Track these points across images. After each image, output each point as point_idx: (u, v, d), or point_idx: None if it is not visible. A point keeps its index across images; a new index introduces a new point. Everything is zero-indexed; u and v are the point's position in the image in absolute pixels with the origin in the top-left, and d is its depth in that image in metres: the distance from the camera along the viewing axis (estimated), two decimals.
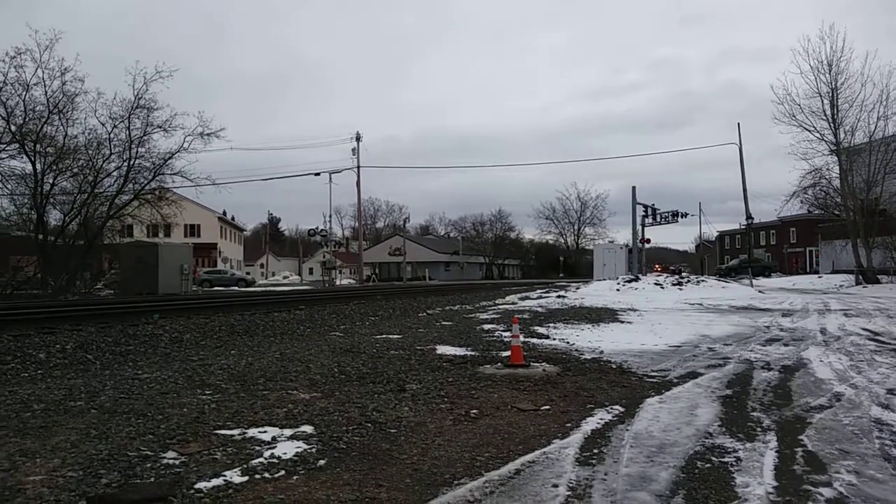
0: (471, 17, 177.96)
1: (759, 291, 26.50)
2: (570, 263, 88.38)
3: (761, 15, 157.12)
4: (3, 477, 3.27)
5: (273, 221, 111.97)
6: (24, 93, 26.59)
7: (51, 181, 28.62)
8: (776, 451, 3.86)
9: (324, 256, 58.24)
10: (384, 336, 10.32)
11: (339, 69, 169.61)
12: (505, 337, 9.79)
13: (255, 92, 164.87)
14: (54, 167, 28.45)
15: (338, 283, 55.29)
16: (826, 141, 33.76)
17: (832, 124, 33.31)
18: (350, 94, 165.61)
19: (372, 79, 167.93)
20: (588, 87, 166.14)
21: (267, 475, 3.42)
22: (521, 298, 22.76)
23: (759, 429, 4.42)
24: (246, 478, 3.36)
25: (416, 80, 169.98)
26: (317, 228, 61.55)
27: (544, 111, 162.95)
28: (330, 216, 64.42)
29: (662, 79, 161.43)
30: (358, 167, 54.28)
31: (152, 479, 3.30)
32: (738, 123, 52.73)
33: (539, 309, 16.83)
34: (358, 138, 54.17)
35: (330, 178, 56.37)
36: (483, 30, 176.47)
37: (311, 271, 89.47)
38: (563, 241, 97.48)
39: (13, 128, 26.72)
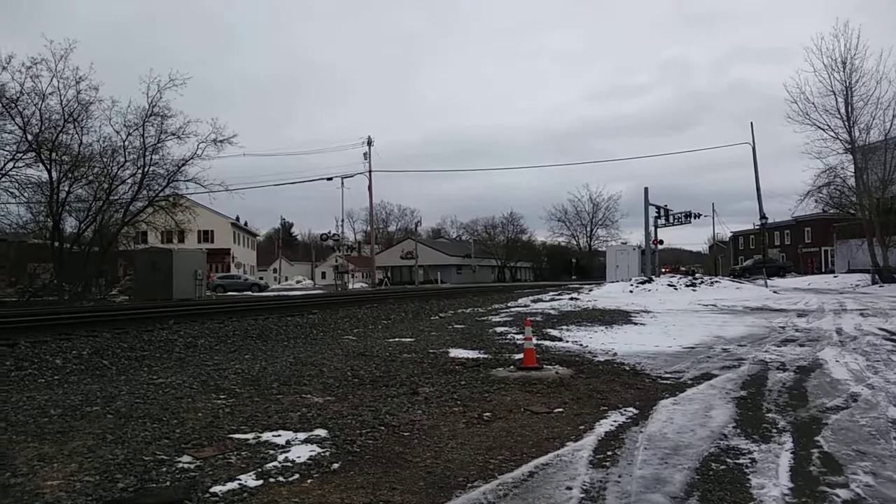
0: (478, 20, 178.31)
1: (774, 292, 26.28)
2: (583, 265, 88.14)
3: (768, 14, 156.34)
4: (22, 481, 3.31)
5: (285, 226, 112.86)
6: (41, 102, 26.93)
7: (66, 189, 28.95)
8: (792, 453, 3.83)
9: (336, 260, 58.41)
10: (397, 339, 10.34)
11: (348, 75, 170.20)
12: (517, 340, 9.77)
13: (265, 98, 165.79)
14: (70, 175, 28.74)
15: (350, 286, 55.44)
16: (840, 139, 33.47)
17: (847, 122, 33.02)
18: (360, 99, 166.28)
19: (381, 83, 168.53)
20: (596, 88, 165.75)
21: (281, 479, 3.44)
22: (534, 301, 22.71)
23: (774, 430, 4.39)
24: (260, 481, 3.38)
25: (424, 83, 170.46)
26: (329, 233, 61.92)
27: (553, 113, 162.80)
28: (342, 220, 64.60)
29: (670, 79, 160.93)
30: (370, 171, 54.50)
31: (168, 484, 3.33)
32: (752, 123, 52.69)
33: (552, 311, 16.78)
34: (369, 143, 54.39)
35: (342, 183, 56.71)
36: (490, 32, 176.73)
37: (323, 275, 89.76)
38: (575, 242, 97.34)
39: (29, 137, 27.03)
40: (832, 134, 33.42)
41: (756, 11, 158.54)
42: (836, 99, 33.04)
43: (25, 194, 28.42)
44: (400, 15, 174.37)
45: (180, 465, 3.64)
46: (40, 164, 27.81)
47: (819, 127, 33.43)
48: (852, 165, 34.16)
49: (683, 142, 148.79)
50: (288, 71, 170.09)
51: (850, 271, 40.57)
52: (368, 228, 75.22)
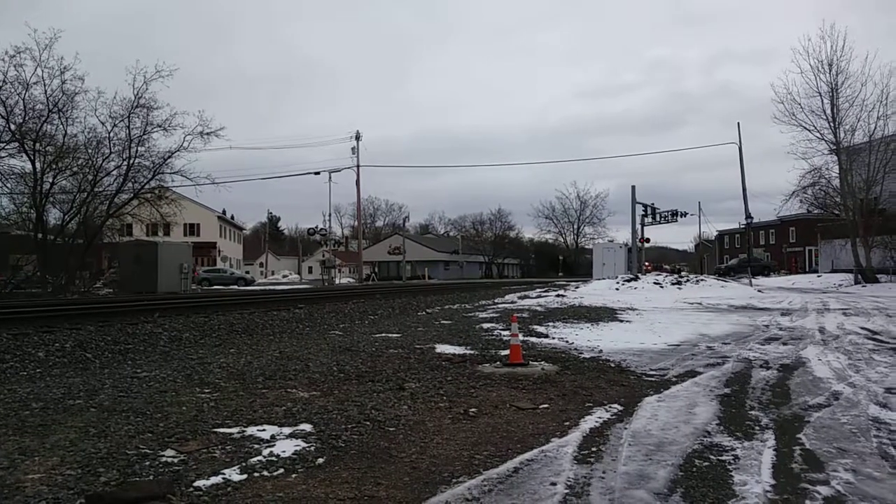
0: (470, 18, 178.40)
1: (759, 291, 26.51)
2: (570, 263, 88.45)
3: (755, 17, 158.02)
4: (3, 475, 3.28)
5: (272, 220, 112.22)
6: (24, 91, 26.54)
7: (50, 180, 28.59)
8: (774, 450, 3.87)
9: (323, 255, 58.21)
10: (383, 335, 10.33)
11: (339, 70, 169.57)
12: (504, 336, 9.79)
13: (254, 93, 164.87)
14: (54, 166, 28.41)
15: (337, 281, 55.26)
16: (826, 140, 33.83)
17: (832, 123, 33.38)
18: (350, 95, 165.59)
19: (372, 79, 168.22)
20: (585, 87, 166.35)
21: (266, 473, 3.43)
22: (521, 297, 22.77)
23: (757, 427, 4.43)
24: (245, 476, 3.37)
25: (415, 80, 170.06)
26: (316, 227, 61.59)
27: (542, 111, 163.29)
28: (329, 215, 64.35)
29: (658, 79, 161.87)
30: (357, 166, 54.29)
31: (151, 478, 3.30)
32: (738, 123, 52.61)
33: (538, 308, 16.83)
34: (357, 137, 54.15)
35: (329, 178, 56.46)
36: (482, 30, 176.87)
37: (310, 270, 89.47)
38: (562, 240, 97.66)
39: (13, 126, 26.66)
40: (818, 135, 33.81)
41: (741, 14, 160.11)
42: (822, 100, 33.42)
43: (8, 185, 28.12)
44: (392, 13, 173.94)
45: (164, 458, 3.61)
46: (24, 155, 27.48)
47: (805, 128, 33.81)
48: (837, 166, 34.55)
49: (669, 142, 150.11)
50: (277, 67, 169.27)
51: (833, 271, 40.99)
52: (356, 223, 75.08)
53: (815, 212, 42.21)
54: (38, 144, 27.53)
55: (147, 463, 3.52)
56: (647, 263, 35.38)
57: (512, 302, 20.18)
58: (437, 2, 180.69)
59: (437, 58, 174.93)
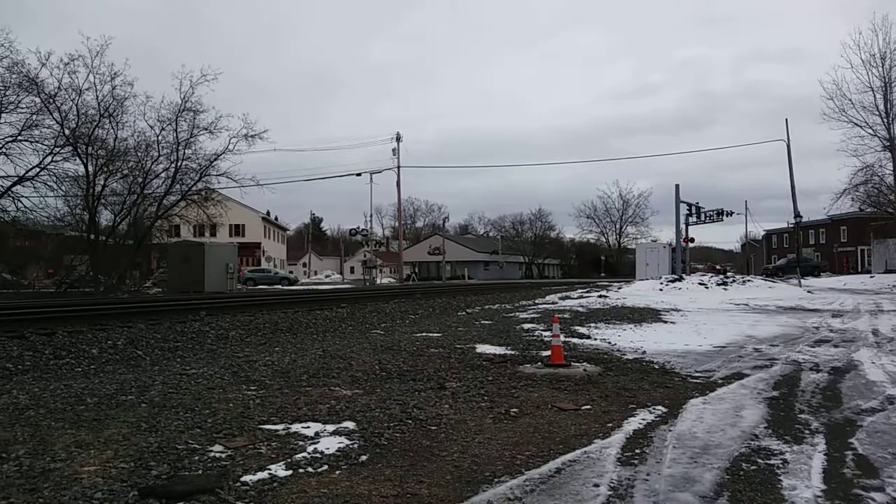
0: (498, 22, 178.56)
1: (808, 291, 25.76)
2: (612, 263, 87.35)
3: (784, 16, 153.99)
4: (61, 467, 3.41)
5: (315, 221, 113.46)
6: (77, 97, 27.60)
7: (102, 182, 29.63)
8: (825, 454, 3.77)
9: (365, 255, 58.60)
10: (424, 334, 10.37)
11: (376, 75, 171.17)
12: (545, 336, 9.74)
13: (290, 98, 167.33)
14: (105, 169, 29.40)
15: (378, 281, 55.66)
16: (879, 136, 32.76)
17: (885, 119, 32.31)
18: (386, 99, 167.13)
19: (407, 83, 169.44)
20: (615, 88, 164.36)
21: (310, 469, 3.48)
22: (562, 298, 22.58)
23: (806, 431, 4.32)
24: (290, 472, 3.43)
25: (448, 83, 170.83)
26: (358, 228, 62.10)
27: (574, 113, 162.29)
28: (370, 216, 64.41)
29: (687, 79, 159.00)
30: (398, 167, 54.51)
31: (200, 472, 3.39)
32: (786, 119, 51.71)
33: (580, 309, 16.67)
34: (398, 139, 54.32)
35: (371, 179, 56.81)
36: (511, 34, 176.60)
37: (352, 270, 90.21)
38: (604, 240, 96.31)
39: (67, 131, 27.68)
40: (870, 131, 32.74)
41: (771, 14, 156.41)
42: (875, 95, 32.40)
43: (63, 188, 29.14)
44: (420, 17, 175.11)
45: (212, 454, 3.70)
46: (77, 159, 28.52)
47: (856, 124, 32.80)
48: (891, 163, 33.35)
49: (699, 142, 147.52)
50: (314, 73, 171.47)
51: (887, 271, 39.63)
52: (396, 224, 75.55)
53: (868, 210, 40.84)
54: (90, 148, 28.54)
55: (196, 457, 3.61)
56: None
57: (553, 302, 20.03)
58: (465, 5, 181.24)
59: (466, 62, 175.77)
